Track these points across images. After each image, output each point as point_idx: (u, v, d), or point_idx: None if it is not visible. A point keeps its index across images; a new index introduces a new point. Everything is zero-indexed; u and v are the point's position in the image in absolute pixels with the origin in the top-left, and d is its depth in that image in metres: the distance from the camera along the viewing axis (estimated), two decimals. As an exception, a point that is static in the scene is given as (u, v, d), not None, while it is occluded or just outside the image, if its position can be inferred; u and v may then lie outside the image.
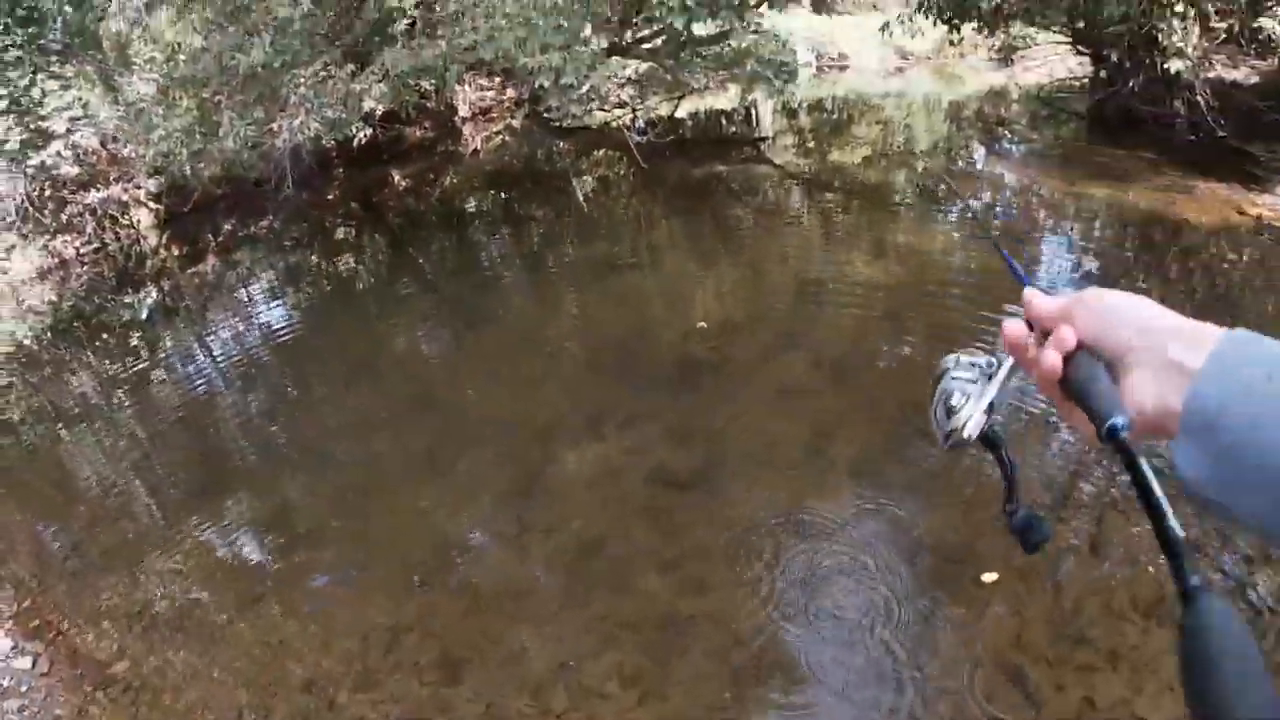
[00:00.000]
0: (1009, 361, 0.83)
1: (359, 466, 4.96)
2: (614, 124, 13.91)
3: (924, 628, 3.37)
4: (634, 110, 14.74)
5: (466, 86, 14.88)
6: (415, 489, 4.63)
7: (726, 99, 17.22)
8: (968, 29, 13.49)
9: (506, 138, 15.02)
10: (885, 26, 14.16)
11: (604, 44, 12.04)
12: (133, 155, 11.00)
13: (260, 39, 9.50)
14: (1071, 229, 8.44)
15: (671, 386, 5.29)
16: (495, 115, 15.46)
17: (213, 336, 7.65)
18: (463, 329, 7.04)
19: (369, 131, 10.46)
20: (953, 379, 0.84)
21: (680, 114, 15.09)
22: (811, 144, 13.91)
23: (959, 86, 17.62)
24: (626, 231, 9.23)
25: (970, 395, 0.83)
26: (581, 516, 4.18)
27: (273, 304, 8.39)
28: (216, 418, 5.96)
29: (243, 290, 9.05)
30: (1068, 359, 0.72)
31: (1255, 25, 8.97)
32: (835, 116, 16.83)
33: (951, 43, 15.11)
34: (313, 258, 9.64)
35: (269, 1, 9.90)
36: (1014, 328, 0.81)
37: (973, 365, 0.84)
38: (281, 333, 7.44)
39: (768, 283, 7.22)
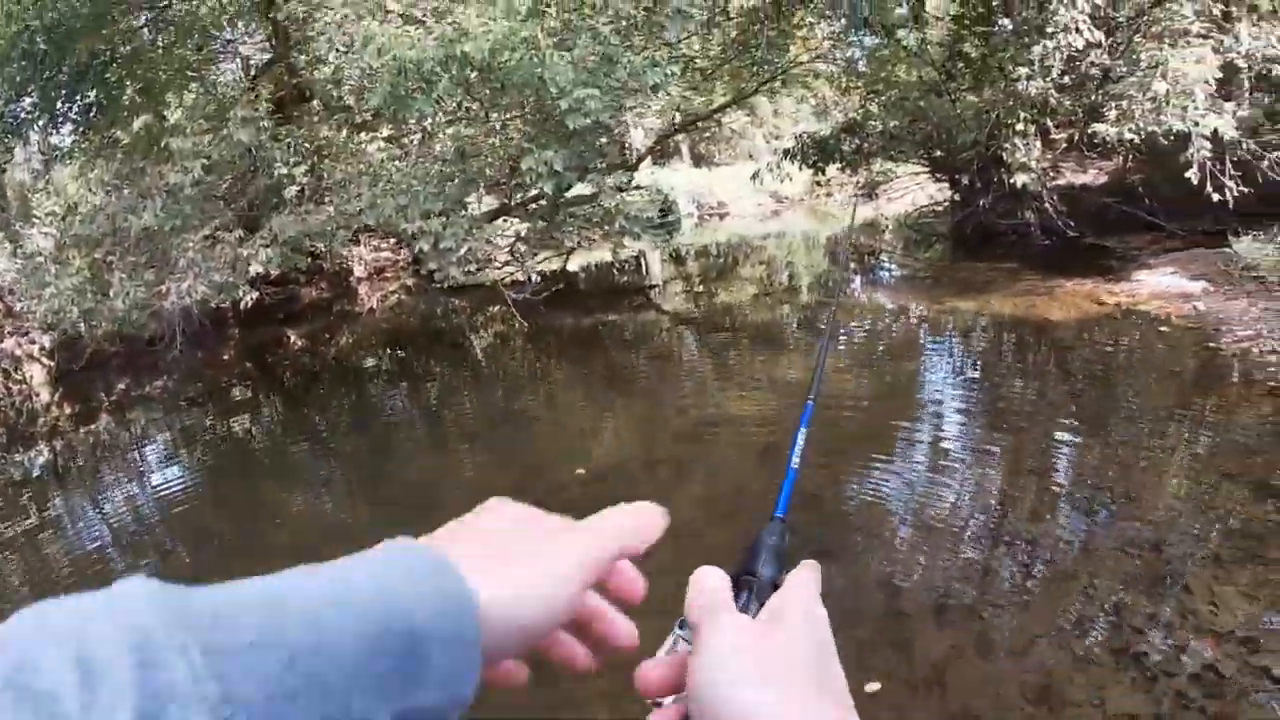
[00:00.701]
0: None
1: None
2: (505, 280, 14.14)
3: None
4: (524, 266, 15.05)
5: (362, 247, 15.03)
6: None
7: (612, 251, 17.80)
8: (832, 169, 14.41)
9: (402, 296, 15.09)
10: (756, 175, 14.95)
11: (494, 204, 12.42)
12: (26, 310, 10.66)
13: (152, 202, 9.51)
14: (947, 341, 8.79)
15: None
16: (390, 275, 15.59)
17: (104, 498, 7.27)
18: (356, 489, 6.82)
19: (255, 295, 10.39)
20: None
21: (572, 267, 15.45)
22: (699, 288, 14.36)
23: (832, 223, 18.57)
24: (518, 384, 9.23)
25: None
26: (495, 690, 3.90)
27: (166, 466, 8.05)
28: (103, 584, 5.51)
29: (135, 451, 8.68)
30: None
31: (1091, 132, 9.73)
32: (720, 260, 17.50)
33: (818, 184, 16.09)
34: (207, 419, 9.34)
35: (162, 166, 9.96)
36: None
37: None
38: (174, 495, 7.11)
39: (653, 426, 7.23)
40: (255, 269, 9.69)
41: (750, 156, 22.79)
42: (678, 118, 16.54)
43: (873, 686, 3.34)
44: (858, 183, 15.47)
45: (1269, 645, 3.30)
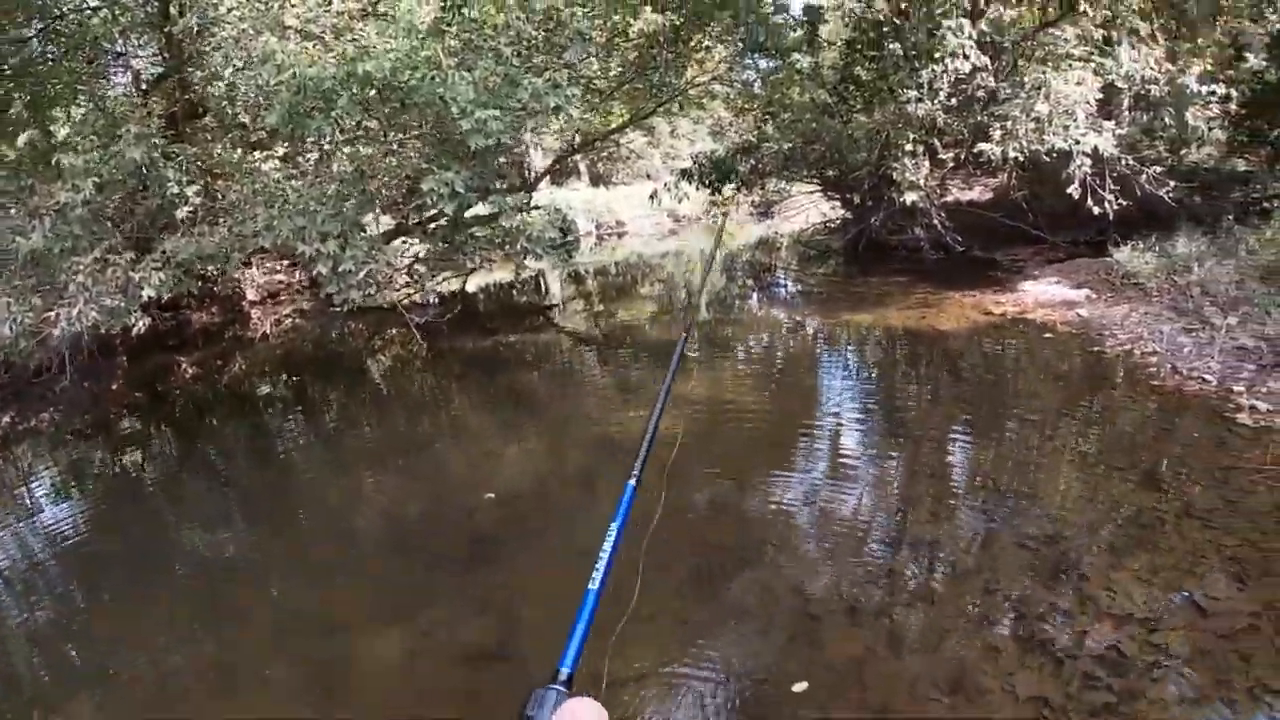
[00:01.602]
0: None
1: (145, 685, 4.36)
2: (405, 302, 13.90)
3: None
4: (423, 287, 14.83)
5: (254, 269, 14.53)
6: (201, 707, 4.06)
7: (509, 270, 17.72)
8: (728, 189, 14.69)
9: (297, 320, 14.64)
10: (654, 195, 15.11)
11: (391, 224, 12.20)
12: None
13: (40, 223, 9.01)
14: (843, 354, 9.05)
15: (466, 561, 5.04)
16: (285, 298, 15.12)
17: None
18: (255, 522, 6.53)
19: (148, 320, 9.93)
20: None
21: (471, 288, 15.29)
22: (599, 307, 14.40)
23: (729, 240, 18.88)
24: (418, 409, 9.06)
25: None
26: (389, 710, 3.81)
27: (54, 504, 7.56)
28: None
29: (22, 488, 8.16)
30: None
31: (976, 151, 10.18)
32: (619, 279, 17.58)
33: (714, 203, 16.36)
34: (97, 452, 8.86)
35: (51, 185, 9.45)
36: None
37: None
38: (63, 535, 6.67)
39: (558, 446, 7.20)
40: (148, 293, 9.27)
41: (648, 176, 23.03)
42: (576, 138, 16.58)
43: (800, 686, 3.42)
44: (753, 201, 15.82)
45: (1167, 623, 3.50)
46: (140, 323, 9.61)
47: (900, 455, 5.86)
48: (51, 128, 13.03)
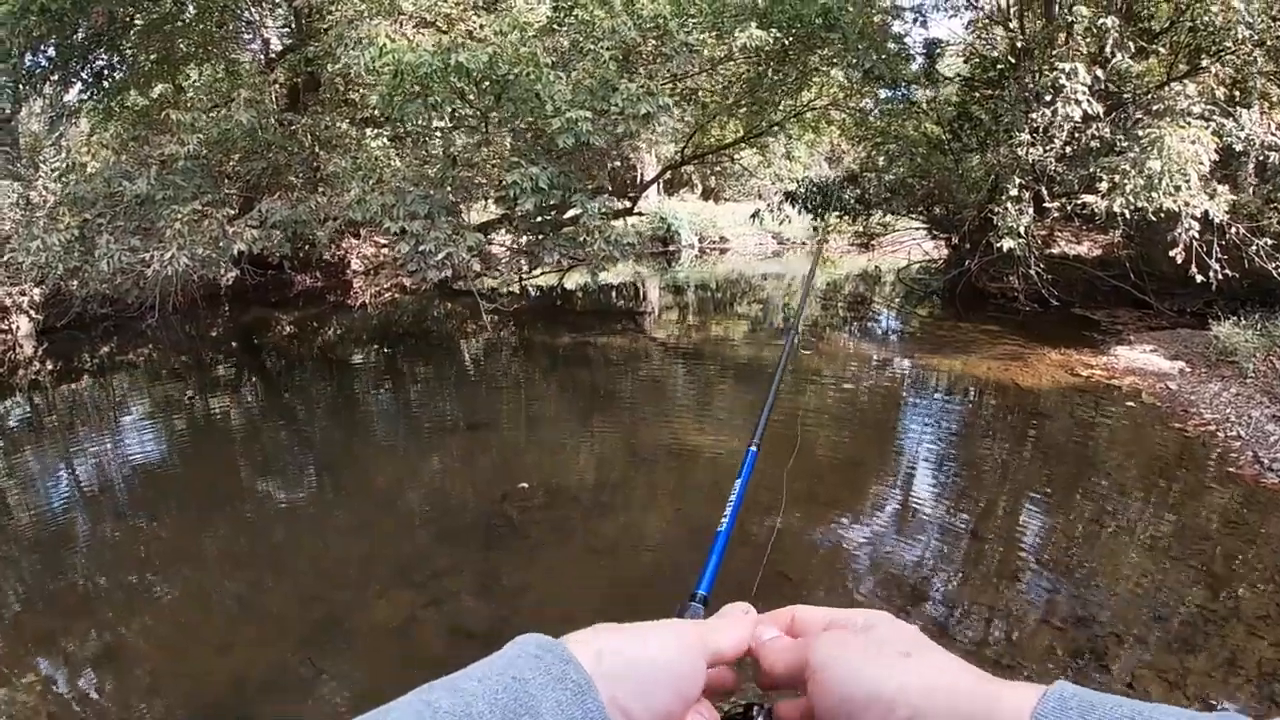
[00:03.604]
0: None
1: (168, 603, 4.67)
2: (503, 290, 14.20)
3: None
4: (520, 278, 15.09)
5: (362, 241, 15.03)
6: (225, 625, 4.37)
7: (614, 273, 17.86)
8: (832, 217, 14.42)
9: (397, 295, 15.08)
10: (756, 214, 14.96)
11: (497, 214, 12.44)
12: (15, 261, 10.66)
13: (147, 170, 9.54)
14: (919, 399, 8.76)
15: (487, 543, 5.16)
16: (388, 272, 15.56)
17: (76, 457, 7.30)
18: (311, 474, 6.91)
19: (235, 273, 10.41)
20: None
21: (570, 285, 15.45)
22: (691, 319, 14.32)
23: (830, 269, 18.58)
24: (492, 393, 9.23)
25: None
26: (372, 665, 3.94)
27: (140, 433, 8.07)
28: (64, 536, 5.59)
29: (112, 414, 8.72)
30: None
31: (1080, 203, 9.74)
32: (717, 294, 17.47)
33: (815, 229, 16.11)
34: (188, 391, 9.38)
35: (162, 137, 9.99)
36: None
37: None
38: (136, 461, 7.18)
39: (612, 449, 7.21)
40: (239, 248, 9.70)
41: (759, 195, 22.77)
42: (686, 149, 16.58)
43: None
44: (856, 232, 15.50)
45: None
46: (229, 274, 10.05)
47: (951, 513, 5.61)
48: (181, 84, 13.78)
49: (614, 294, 16.76)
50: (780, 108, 14.34)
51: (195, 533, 5.61)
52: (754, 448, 1.14)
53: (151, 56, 13.02)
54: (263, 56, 14.61)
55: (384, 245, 15.99)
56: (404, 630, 4.23)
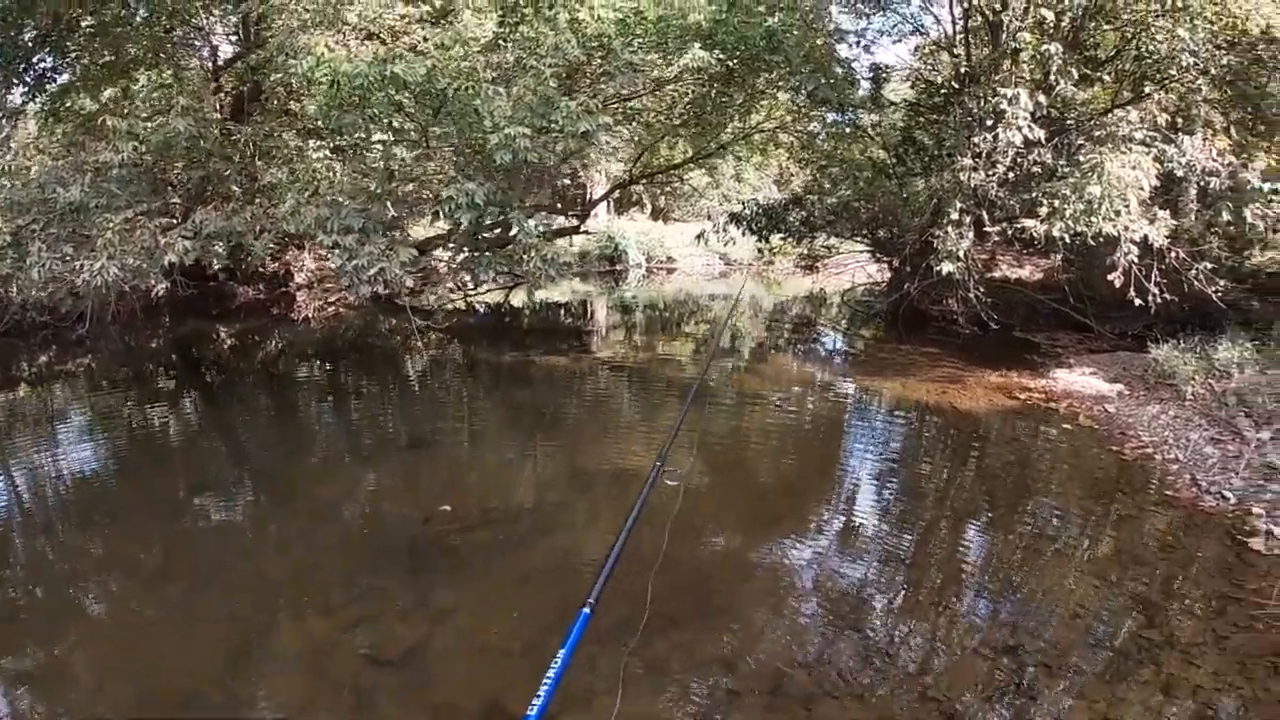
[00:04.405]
0: None
1: (84, 618, 4.50)
2: (449, 307, 14.01)
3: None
4: (465, 296, 14.89)
5: (306, 254, 14.73)
6: (143, 645, 4.20)
7: (561, 292, 17.76)
8: (776, 238, 14.46)
9: (341, 309, 14.79)
10: (701, 235, 14.95)
11: (444, 229, 12.26)
12: None
13: (82, 177, 9.30)
14: (853, 420, 8.74)
15: (415, 565, 5.00)
16: (333, 286, 15.26)
17: (5, 468, 7.06)
18: (243, 492, 6.74)
19: (166, 285, 10.14)
20: None
21: (517, 303, 15.30)
22: (638, 339, 14.22)
23: (776, 290, 18.67)
24: (433, 412, 9.05)
25: None
26: (289, 690, 3.76)
27: (74, 446, 7.84)
28: None
29: (46, 425, 8.46)
30: None
31: (1020, 227, 9.85)
32: (664, 313, 17.42)
33: (760, 250, 16.17)
34: (125, 403, 9.14)
35: (99, 143, 9.72)
36: None
37: None
38: (73, 476, 6.97)
39: (547, 469, 7.08)
40: (171, 259, 9.45)
41: (709, 216, 22.86)
42: (635, 168, 16.56)
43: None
44: (800, 254, 15.56)
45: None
46: (160, 286, 9.78)
47: (884, 538, 5.52)
48: (130, 88, 13.45)
49: (561, 312, 16.68)
50: (728, 129, 14.37)
51: (121, 548, 5.43)
52: (587, 609, 0.97)
53: (100, 60, 12.70)
54: (210, 64, 14.34)
55: (329, 260, 15.72)
56: (325, 653, 4.08)
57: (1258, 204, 9.67)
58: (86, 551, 5.45)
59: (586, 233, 18.09)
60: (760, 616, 4.38)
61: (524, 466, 7.21)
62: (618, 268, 21.69)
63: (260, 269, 13.58)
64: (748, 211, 14.11)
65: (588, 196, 18.30)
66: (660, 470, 3.52)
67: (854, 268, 15.54)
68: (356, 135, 9.27)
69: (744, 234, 14.17)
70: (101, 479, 6.90)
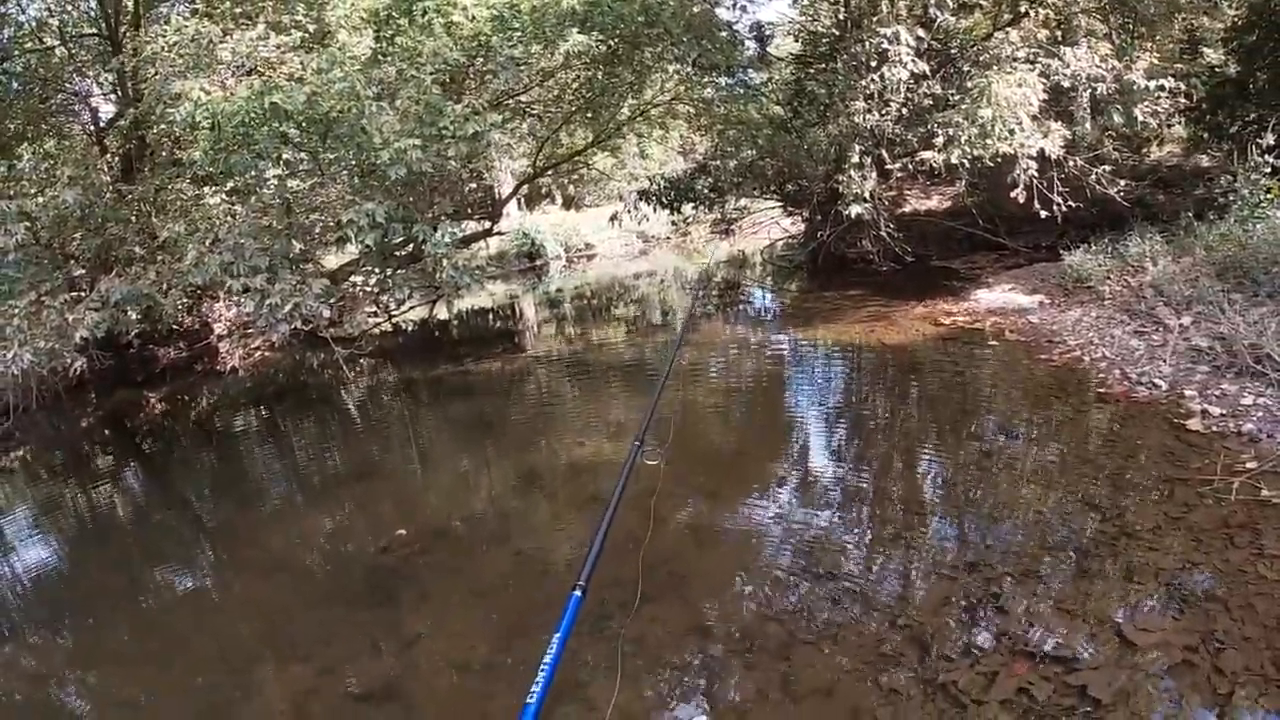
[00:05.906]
0: None
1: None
2: (375, 330, 13.76)
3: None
4: (389, 316, 14.63)
5: (221, 304, 14.32)
6: None
7: (484, 296, 17.58)
8: (688, 208, 14.49)
9: (266, 352, 14.42)
10: (614, 217, 14.93)
11: (347, 257, 11.98)
12: None
13: None
14: (788, 371, 8.83)
15: (373, 599, 4.90)
16: (254, 330, 14.89)
17: None
18: (203, 556, 6.54)
19: (83, 362, 9.78)
20: None
21: (444, 315, 15.09)
22: (570, 330, 14.15)
23: (698, 259, 18.73)
24: (376, 440, 8.89)
25: None
26: None
27: (25, 543, 7.53)
28: None
29: None
30: None
31: (920, 160, 10.00)
32: (591, 301, 17.35)
33: (674, 223, 16.20)
34: (66, 491, 8.80)
35: None
36: None
37: None
38: (22, 572, 6.69)
39: (495, 478, 7.00)
40: (82, 334, 9.11)
41: (620, 198, 22.82)
42: (537, 163, 16.43)
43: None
44: (714, 220, 15.61)
45: (1089, 661, 3.21)
46: (77, 363, 9.43)
47: (836, 478, 5.60)
48: (17, 165, 12.91)
49: (490, 317, 16.51)
50: (623, 109, 14.31)
51: (86, 640, 5.25)
52: (578, 592, 0.96)
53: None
54: (93, 126, 13.81)
55: (246, 305, 15.31)
56: (307, 701, 3.99)
57: (1146, 102, 9.95)
58: (50, 651, 5.23)
59: (500, 233, 17.89)
60: (736, 580, 4.40)
61: (474, 476, 7.14)
62: (538, 263, 21.53)
63: (176, 327, 13.11)
64: (655, 187, 14.13)
65: (497, 197, 18.10)
66: (639, 450, 3.52)
67: (769, 225, 15.61)
68: (248, 174, 8.98)
69: (655, 210, 14.17)
70: (56, 573, 6.63)
